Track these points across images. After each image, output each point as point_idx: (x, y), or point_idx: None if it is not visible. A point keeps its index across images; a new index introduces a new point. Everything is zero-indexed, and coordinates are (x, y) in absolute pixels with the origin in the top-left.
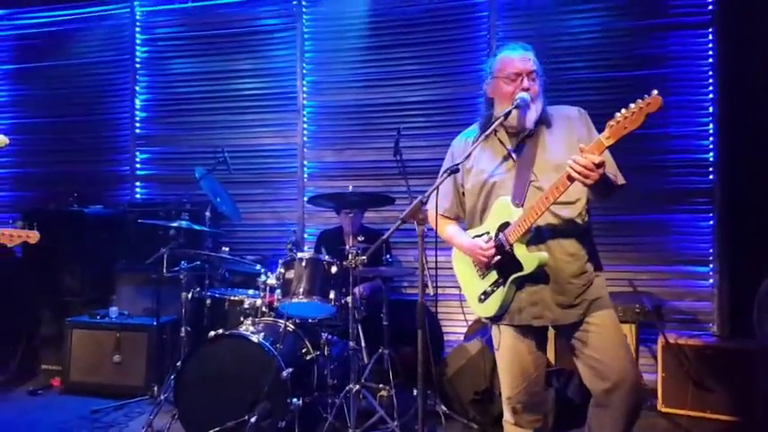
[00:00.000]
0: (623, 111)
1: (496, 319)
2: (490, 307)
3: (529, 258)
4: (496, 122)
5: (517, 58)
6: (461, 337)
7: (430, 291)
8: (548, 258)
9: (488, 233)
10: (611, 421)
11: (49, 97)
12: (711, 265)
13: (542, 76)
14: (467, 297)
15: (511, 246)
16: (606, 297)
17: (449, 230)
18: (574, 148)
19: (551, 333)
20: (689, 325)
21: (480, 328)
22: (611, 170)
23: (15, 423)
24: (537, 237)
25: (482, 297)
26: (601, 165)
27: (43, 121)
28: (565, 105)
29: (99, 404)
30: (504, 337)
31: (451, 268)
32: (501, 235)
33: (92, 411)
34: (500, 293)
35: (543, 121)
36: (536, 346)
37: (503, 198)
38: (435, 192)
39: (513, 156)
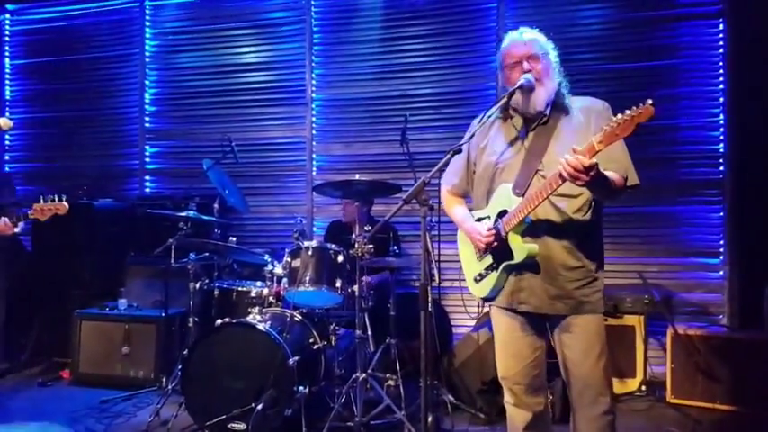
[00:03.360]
0: (618, 116)
1: (490, 300)
2: (483, 288)
3: (520, 249)
4: (500, 101)
5: (514, 46)
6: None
7: (437, 280)
8: (537, 250)
9: (489, 217)
10: (583, 424)
11: (59, 92)
12: (722, 257)
13: (547, 55)
14: (465, 276)
15: (506, 234)
16: (599, 301)
17: (457, 213)
18: (586, 142)
19: None
20: (699, 317)
21: (488, 320)
22: (622, 170)
23: (26, 412)
24: (534, 227)
25: (477, 278)
26: (591, 168)
27: (53, 115)
28: (591, 97)
29: (108, 395)
30: (499, 319)
31: (460, 261)
32: (499, 222)
33: (101, 401)
34: (492, 277)
35: (560, 108)
36: (531, 330)
37: (504, 185)
38: (439, 172)
39: (524, 142)
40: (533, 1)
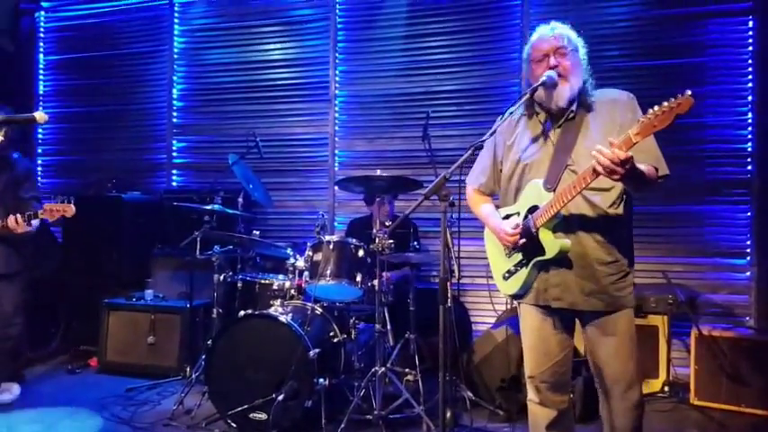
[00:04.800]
0: (655, 108)
1: (519, 297)
2: (512, 285)
3: (552, 244)
4: (523, 98)
5: (542, 39)
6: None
7: (456, 276)
8: (570, 246)
9: (518, 213)
10: (615, 414)
11: (90, 87)
12: (749, 258)
13: (576, 51)
14: (493, 273)
15: (537, 230)
16: (631, 295)
17: (484, 210)
18: (614, 134)
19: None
20: (724, 318)
21: (509, 317)
22: (652, 160)
23: (55, 398)
24: (565, 222)
25: (506, 275)
26: (627, 161)
27: (85, 110)
28: (614, 89)
29: (134, 383)
30: (529, 317)
31: (480, 258)
32: (529, 218)
33: (127, 389)
34: (522, 274)
35: (584, 103)
36: (562, 328)
37: (535, 180)
38: (459, 168)
39: (551, 137)
40: None
